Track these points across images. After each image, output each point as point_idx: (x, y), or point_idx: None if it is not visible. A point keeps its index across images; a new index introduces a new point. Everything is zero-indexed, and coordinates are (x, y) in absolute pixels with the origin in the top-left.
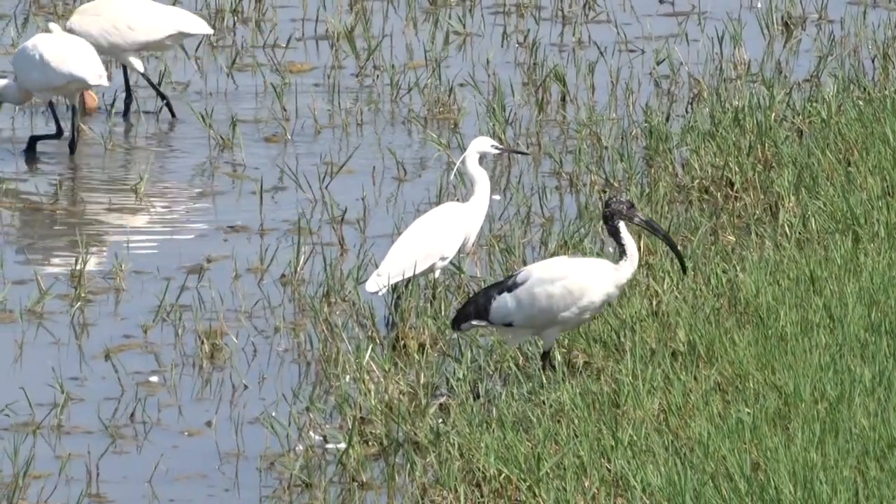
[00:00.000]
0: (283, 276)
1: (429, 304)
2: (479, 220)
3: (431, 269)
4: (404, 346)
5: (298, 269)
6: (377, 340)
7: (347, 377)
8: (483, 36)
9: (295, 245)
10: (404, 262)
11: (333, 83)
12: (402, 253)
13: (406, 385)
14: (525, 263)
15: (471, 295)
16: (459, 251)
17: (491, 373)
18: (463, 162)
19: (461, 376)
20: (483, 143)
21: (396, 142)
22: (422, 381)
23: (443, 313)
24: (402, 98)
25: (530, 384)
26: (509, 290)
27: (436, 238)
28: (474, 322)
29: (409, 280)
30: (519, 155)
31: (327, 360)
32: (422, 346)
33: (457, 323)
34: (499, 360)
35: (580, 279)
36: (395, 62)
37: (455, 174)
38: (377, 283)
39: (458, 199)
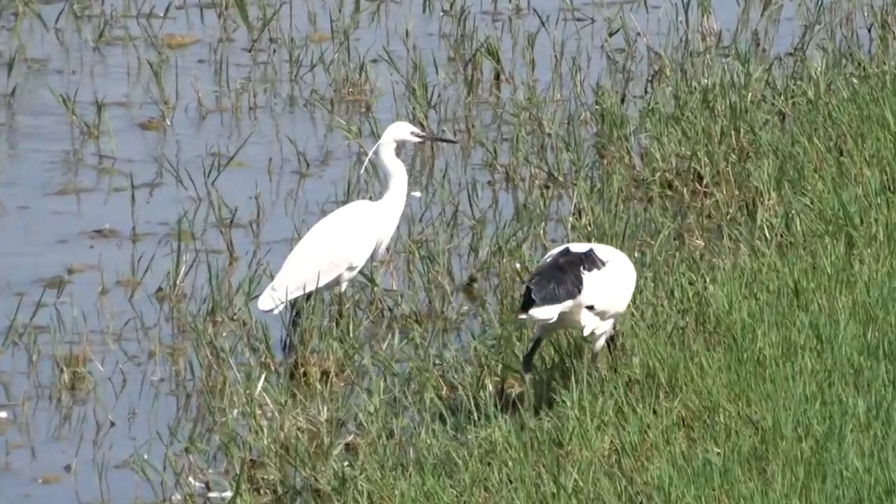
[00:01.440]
0: (159, 290)
1: (334, 324)
2: (393, 222)
3: (337, 281)
4: (304, 374)
5: (178, 281)
6: (271, 368)
7: (235, 412)
8: (400, 3)
9: (174, 253)
10: (305, 273)
11: (221, 59)
12: (302, 262)
13: (306, 421)
14: (451, 273)
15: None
16: (371, 259)
17: (408, 406)
18: (376, 152)
19: (373, 410)
20: (401, 130)
21: (297, 129)
22: (325, 417)
23: (351, 334)
24: (304, 77)
25: (455, 419)
26: (590, 269)
27: (342, 244)
28: (563, 304)
29: (310, 295)
30: (444, 143)
31: (211, 391)
32: (325, 374)
33: (526, 305)
34: (417, 389)
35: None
36: (295, 34)
37: (367, 167)
38: (272, 298)
39: (369, 197)
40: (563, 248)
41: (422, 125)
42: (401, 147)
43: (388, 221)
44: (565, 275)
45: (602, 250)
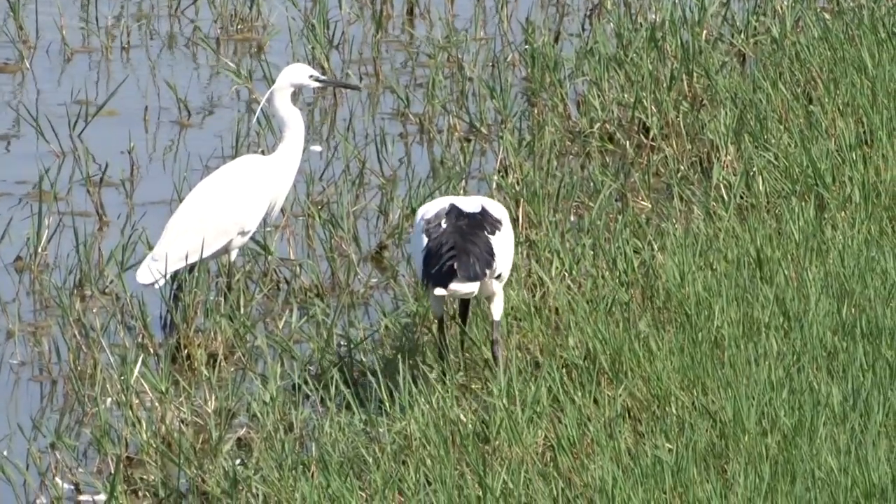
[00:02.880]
0: (17, 259)
1: (222, 299)
2: (288, 179)
3: (226, 248)
4: (188, 357)
5: (40, 249)
6: (150, 350)
7: (109, 401)
8: None
9: (35, 216)
10: (189, 240)
11: None
12: (185, 227)
13: (190, 412)
14: (357, 240)
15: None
16: (263, 223)
17: (309, 394)
18: (269, 99)
19: (268, 399)
20: (298, 73)
21: (177, 73)
22: (212, 407)
23: (242, 311)
24: (185, 11)
25: (364, 409)
26: (492, 232)
27: (231, 205)
28: (485, 276)
29: (194, 265)
30: (348, 90)
31: (80, 377)
32: (212, 357)
33: (443, 280)
34: (320, 375)
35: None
36: None
37: (259, 116)
38: (152, 270)
39: (261, 151)
40: (446, 204)
41: (322, 68)
42: (298, 93)
43: (282, 178)
44: (476, 243)
45: (491, 206)
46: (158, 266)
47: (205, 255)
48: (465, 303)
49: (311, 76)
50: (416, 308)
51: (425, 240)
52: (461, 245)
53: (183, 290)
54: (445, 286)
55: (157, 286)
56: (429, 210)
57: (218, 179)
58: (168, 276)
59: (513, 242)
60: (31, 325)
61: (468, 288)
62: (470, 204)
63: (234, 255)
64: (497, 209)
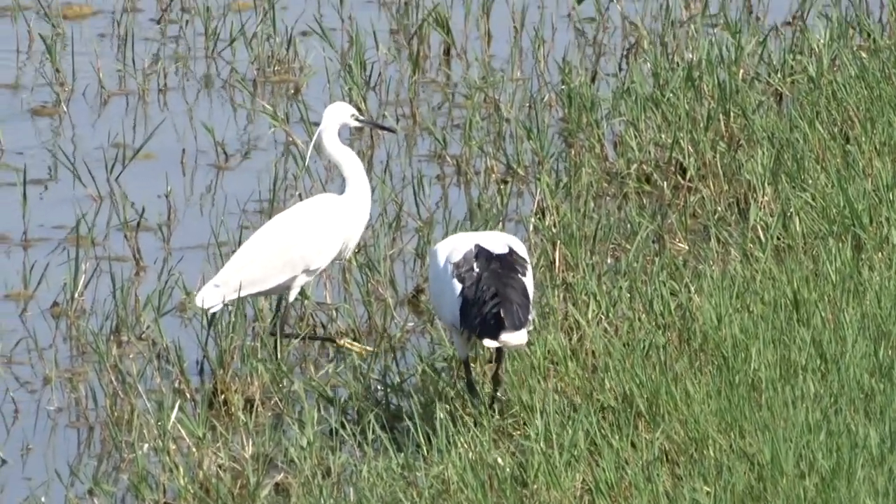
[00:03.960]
0: (55, 304)
1: (258, 344)
2: (362, 218)
3: (289, 285)
4: (225, 402)
5: (77, 294)
6: (187, 395)
7: (146, 447)
8: None
9: (72, 261)
10: (255, 270)
11: (125, 33)
12: (252, 257)
13: (228, 457)
14: (394, 283)
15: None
16: (334, 262)
17: (347, 439)
18: (318, 139)
19: (305, 444)
20: (341, 112)
21: (214, 115)
22: (250, 452)
23: (279, 355)
24: (222, 53)
25: (402, 454)
26: (523, 273)
27: (301, 241)
28: (527, 323)
29: (257, 297)
30: (384, 132)
31: (117, 422)
32: (249, 402)
33: (491, 331)
34: (357, 420)
35: None
36: (211, 3)
37: (310, 156)
38: (215, 296)
39: (298, 195)
40: (471, 245)
41: (359, 109)
42: (340, 132)
43: (355, 218)
44: (515, 287)
45: (515, 243)
46: (224, 293)
47: (266, 288)
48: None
49: (352, 115)
50: (453, 352)
51: (458, 285)
52: (504, 292)
53: (215, 326)
54: (495, 337)
55: (215, 310)
56: (454, 251)
57: (292, 215)
58: (227, 303)
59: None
60: (68, 370)
61: (518, 338)
62: (495, 243)
63: (293, 293)
64: (519, 246)
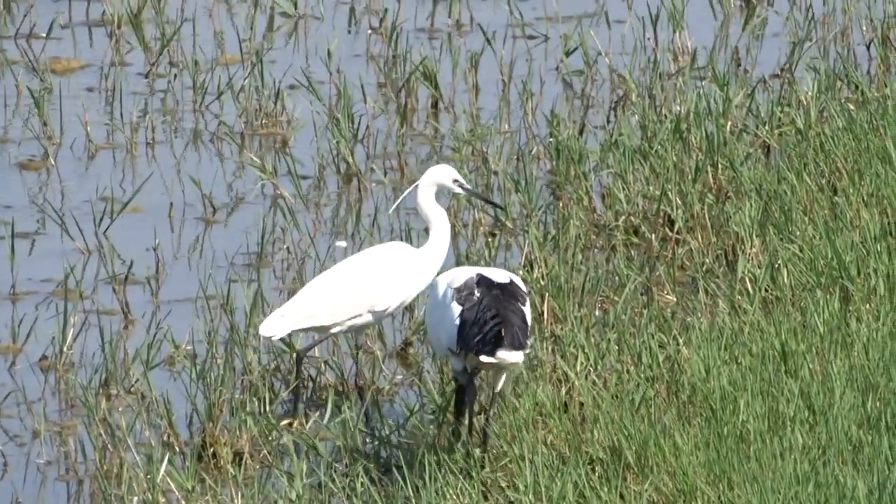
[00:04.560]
0: (43, 358)
1: (248, 397)
2: (431, 273)
3: (353, 323)
4: (214, 455)
5: (65, 348)
6: (176, 448)
7: (135, 500)
8: (322, 18)
9: (61, 315)
10: (322, 305)
11: (114, 87)
12: (320, 292)
13: None
14: (382, 336)
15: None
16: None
17: (336, 491)
18: (412, 194)
19: (295, 497)
20: (443, 174)
21: (202, 168)
22: None
23: (267, 407)
24: (210, 106)
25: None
26: (523, 303)
27: (371, 283)
28: (527, 346)
29: (321, 333)
30: (490, 206)
31: (107, 475)
32: (238, 454)
33: (490, 348)
34: (346, 472)
35: None
36: (199, 57)
37: (397, 205)
38: (280, 325)
39: (286, 248)
40: (473, 274)
41: (347, 163)
42: (439, 194)
43: (426, 272)
44: (515, 312)
45: (516, 278)
46: (288, 323)
47: (330, 322)
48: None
49: (455, 180)
50: (442, 405)
51: (457, 308)
52: (504, 314)
53: (208, 386)
54: (493, 354)
55: (276, 339)
56: (455, 279)
57: (366, 257)
58: (289, 334)
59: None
60: (57, 424)
61: (515, 357)
62: (496, 274)
63: (359, 333)
64: (519, 280)
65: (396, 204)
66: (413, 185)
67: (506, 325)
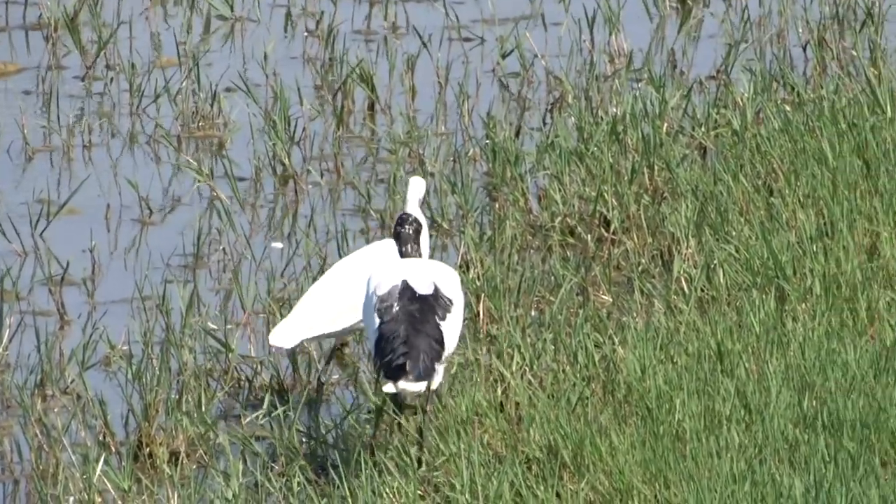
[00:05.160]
0: None
1: (184, 397)
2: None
3: (352, 328)
4: (150, 455)
5: (1, 349)
6: (112, 448)
7: (72, 500)
8: (259, 21)
9: None
10: (331, 308)
11: (50, 90)
12: (329, 295)
13: None
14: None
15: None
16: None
17: (272, 491)
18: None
19: (231, 496)
20: (422, 187)
21: (139, 171)
22: None
23: (203, 408)
24: (147, 109)
25: (325, 502)
26: (443, 316)
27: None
28: (434, 371)
29: (328, 339)
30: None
31: (42, 476)
32: (174, 454)
33: (394, 375)
34: (283, 472)
35: None
36: (135, 60)
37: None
38: (289, 336)
39: (222, 249)
40: (399, 281)
41: (283, 165)
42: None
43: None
44: (428, 333)
45: (443, 280)
46: (300, 332)
47: (338, 329)
48: None
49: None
50: (379, 403)
51: (377, 320)
52: (413, 341)
53: (144, 386)
54: (395, 382)
55: (286, 350)
56: (381, 283)
57: (365, 257)
58: (304, 342)
59: (462, 315)
60: None
61: (417, 387)
62: (422, 279)
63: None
64: (448, 284)
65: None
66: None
67: (411, 353)
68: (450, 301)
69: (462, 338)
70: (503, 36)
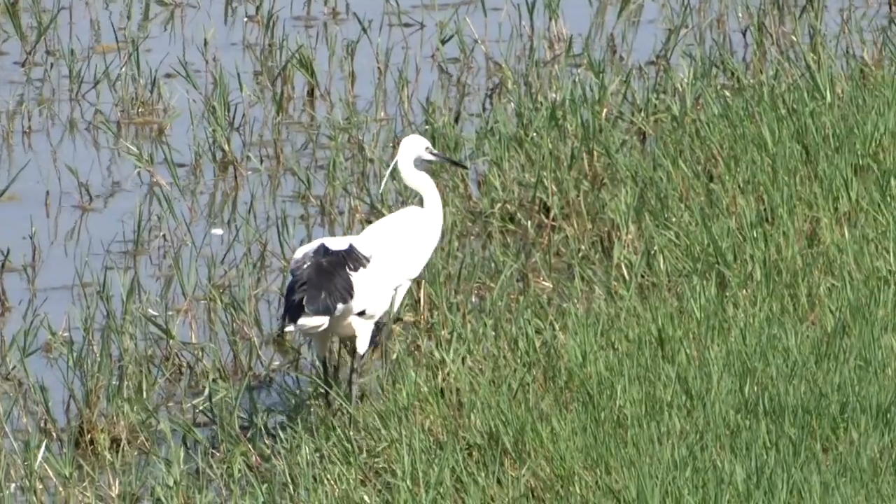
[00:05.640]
0: None
1: (123, 382)
2: (439, 233)
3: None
4: (91, 441)
5: None
6: (54, 435)
7: (13, 486)
8: (199, 7)
9: None
10: (384, 280)
11: None
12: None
13: (94, 496)
14: (259, 323)
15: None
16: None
17: (213, 478)
18: (394, 170)
19: (172, 483)
20: (417, 145)
21: (78, 157)
22: (116, 491)
23: (144, 395)
24: (87, 95)
25: (268, 491)
26: (355, 269)
27: (407, 252)
28: (336, 312)
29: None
30: (456, 167)
31: None
32: (116, 441)
33: (294, 315)
34: (224, 458)
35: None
36: (75, 45)
37: (385, 185)
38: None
39: (163, 235)
40: (317, 244)
41: (223, 151)
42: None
43: (437, 231)
44: (332, 279)
45: (363, 244)
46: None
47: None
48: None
49: (426, 148)
50: (318, 389)
51: (291, 279)
52: (314, 280)
53: (85, 373)
54: (295, 321)
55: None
56: (299, 251)
57: (390, 224)
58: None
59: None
60: None
61: (315, 321)
62: (339, 241)
63: (395, 305)
64: (369, 247)
65: (384, 184)
66: (393, 163)
67: (310, 290)
68: (365, 258)
69: (406, 326)
70: (443, 21)
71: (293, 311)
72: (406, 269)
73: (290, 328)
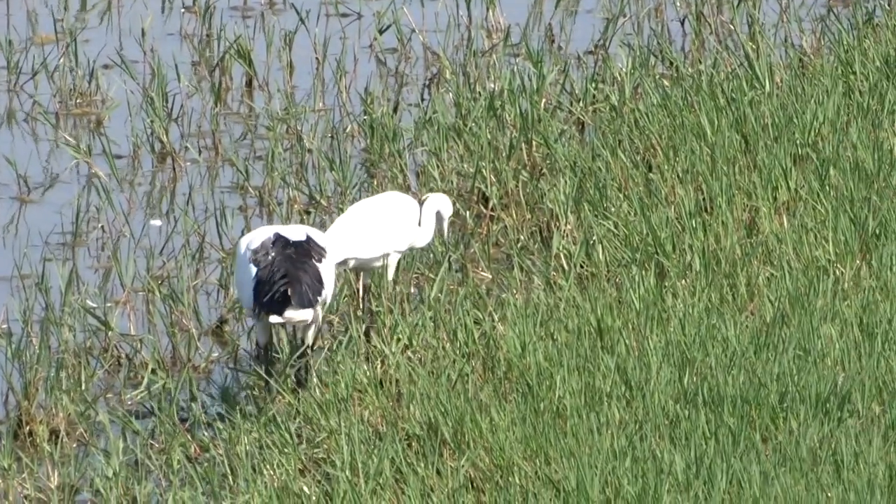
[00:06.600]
0: None
1: (64, 375)
2: (422, 241)
3: (384, 261)
4: (30, 433)
5: None
6: None
7: None
8: None
9: None
10: (373, 240)
11: None
12: (359, 226)
13: (33, 488)
14: (198, 314)
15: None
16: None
17: (153, 469)
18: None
19: (111, 474)
20: (445, 207)
21: (16, 148)
22: (55, 483)
23: (83, 386)
24: (24, 86)
25: (207, 483)
26: (318, 259)
27: (394, 223)
28: (316, 303)
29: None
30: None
31: None
32: (55, 433)
33: (278, 307)
34: (163, 449)
35: None
36: (13, 36)
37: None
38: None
39: (101, 227)
40: (271, 234)
41: (161, 142)
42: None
43: (418, 235)
44: (307, 271)
45: (315, 234)
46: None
47: (367, 257)
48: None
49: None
50: (257, 381)
51: (254, 269)
52: (294, 273)
53: (24, 364)
54: (280, 313)
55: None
56: (253, 240)
57: (377, 201)
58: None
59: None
60: None
61: (302, 315)
62: (295, 232)
63: (390, 272)
64: (318, 235)
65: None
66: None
67: (293, 284)
68: (322, 248)
69: (345, 316)
70: (380, 11)
71: (276, 303)
72: (396, 239)
73: (275, 320)
